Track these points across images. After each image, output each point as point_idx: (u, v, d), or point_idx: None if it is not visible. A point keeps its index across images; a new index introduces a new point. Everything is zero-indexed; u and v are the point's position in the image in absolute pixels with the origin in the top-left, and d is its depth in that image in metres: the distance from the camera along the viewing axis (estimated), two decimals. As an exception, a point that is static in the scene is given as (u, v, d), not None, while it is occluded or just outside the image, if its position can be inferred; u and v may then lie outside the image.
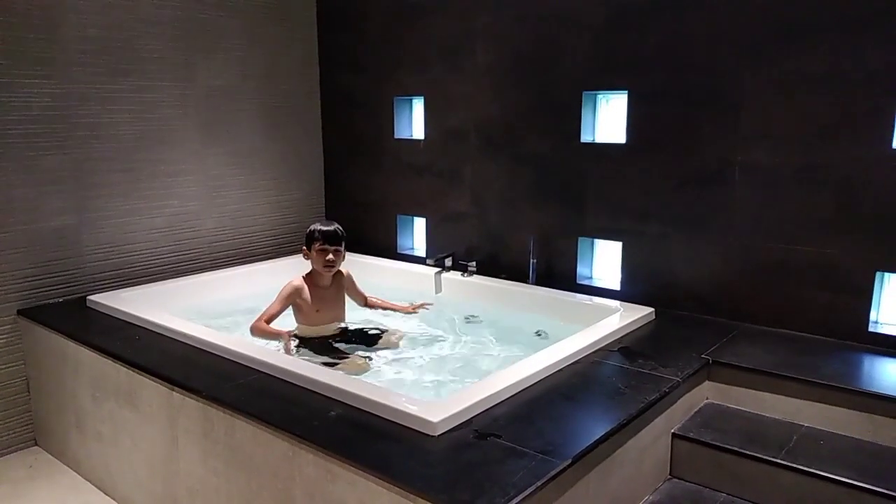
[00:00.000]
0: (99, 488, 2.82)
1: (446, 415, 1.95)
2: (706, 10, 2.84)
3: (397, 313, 3.22)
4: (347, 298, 3.15)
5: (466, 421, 1.99)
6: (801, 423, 2.40)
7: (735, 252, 2.91)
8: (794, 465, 2.15)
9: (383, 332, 3.05)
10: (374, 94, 4.04)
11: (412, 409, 1.99)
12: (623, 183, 3.16)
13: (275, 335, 2.83)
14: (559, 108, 3.31)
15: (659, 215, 3.08)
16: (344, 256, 2.99)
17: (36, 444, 3.19)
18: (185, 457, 2.34)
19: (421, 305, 3.25)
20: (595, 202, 3.26)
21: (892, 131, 2.52)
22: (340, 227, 2.96)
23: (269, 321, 2.86)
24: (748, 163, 2.83)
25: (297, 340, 2.88)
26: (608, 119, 3.30)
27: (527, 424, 1.99)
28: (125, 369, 2.53)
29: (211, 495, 2.27)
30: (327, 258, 2.91)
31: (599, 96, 3.29)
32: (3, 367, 3.06)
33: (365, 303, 3.20)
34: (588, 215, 3.29)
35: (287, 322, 2.98)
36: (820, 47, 2.61)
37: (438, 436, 1.91)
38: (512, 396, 2.16)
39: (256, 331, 2.86)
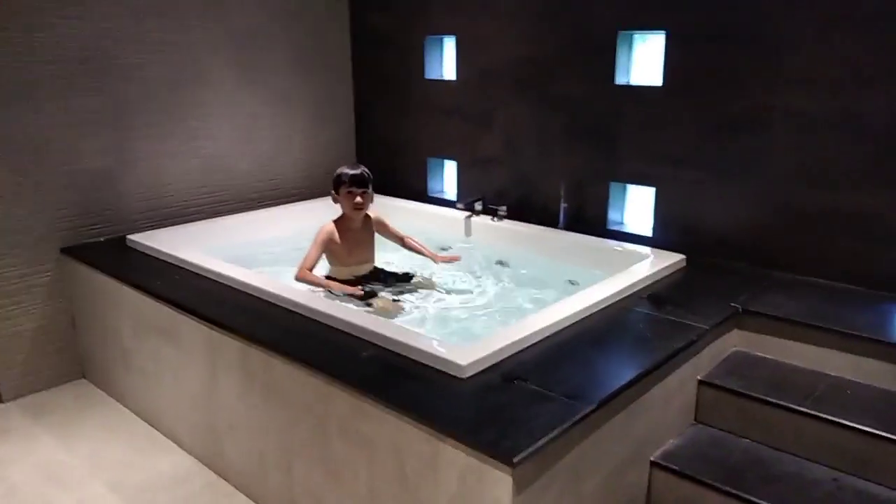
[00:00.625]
0: (144, 420, 2.97)
1: (475, 358, 2.00)
2: (751, -53, 2.73)
3: (427, 258, 3.24)
4: (382, 239, 3.18)
5: (495, 364, 2.04)
6: (828, 373, 2.41)
7: (770, 199, 2.87)
8: (819, 414, 2.17)
9: (414, 274, 3.09)
10: (405, 33, 3.98)
11: (441, 351, 2.04)
12: (658, 127, 3.10)
13: (325, 287, 2.86)
14: (594, 48, 3.23)
15: (694, 161, 3.03)
16: (372, 198, 3.01)
17: (84, 378, 3.34)
18: (224, 392, 2.44)
19: (450, 259, 3.22)
20: (629, 146, 3.21)
21: (942, 76, 2.43)
22: (367, 170, 2.98)
23: (311, 268, 2.92)
24: (788, 108, 2.75)
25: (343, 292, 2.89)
26: (644, 60, 3.21)
27: (554, 369, 2.04)
28: (166, 308, 2.63)
29: (249, 429, 2.38)
30: (356, 201, 2.94)
31: (636, 36, 3.20)
32: (50, 303, 3.19)
33: (402, 243, 3.23)
34: (621, 160, 3.25)
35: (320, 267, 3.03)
36: (871, -14, 2.50)
37: (467, 378, 1.96)
38: (540, 341, 2.20)
39: (304, 280, 2.88)
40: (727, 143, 2.93)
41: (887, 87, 2.53)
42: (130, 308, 2.85)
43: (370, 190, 2.99)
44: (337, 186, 2.98)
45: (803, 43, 2.67)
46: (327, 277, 2.96)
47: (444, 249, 3.57)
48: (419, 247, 3.24)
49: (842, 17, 2.57)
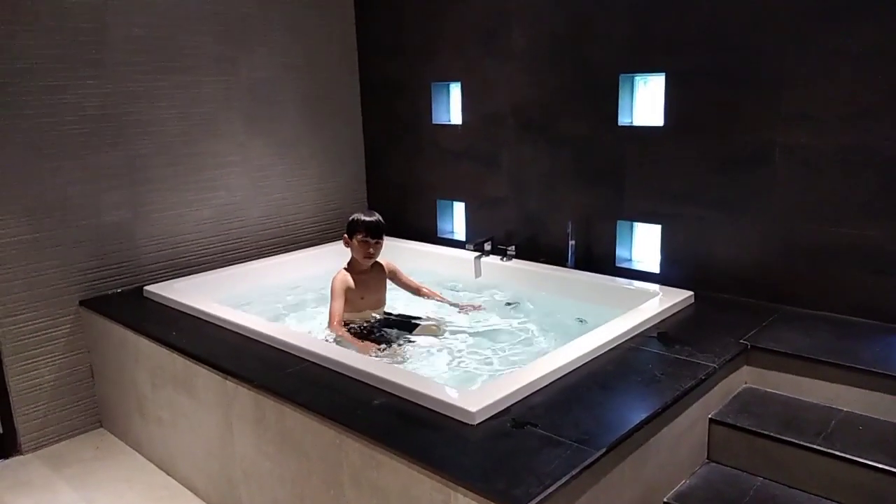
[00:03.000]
0: (161, 468, 3.00)
1: (485, 404, 2.02)
2: (745, -10, 2.80)
3: (444, 305, 3.29)
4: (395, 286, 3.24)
5: (504, 409, 2.06)
6: (840, 408, 2.40)
7: (775, 234, 2.89)
8: (832, 451, 2.16)
9: (423, 318, 3.13)
10: (413, 79, 4.08)
11: (451, 398, 2.06)
12: (661, 165, 3.15)
13: (363, 349, 2.77)
14: (596, 90, 3.30)
15: (698, 197, 3.07)
16: (382, 246, 3.07)
17: (101, 427, 3.39)
18: (240, 441, 2.48)
19: (475, 308, 3.25)
20: (634, 185, 3.26)
21: (939, 111, 2.46)
22: (381, 219, 3.04)
23: (340, 322, 2.95)
24: (789, 144, 2.79)
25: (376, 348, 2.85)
26: (646, 101, 3.28)
27: (563, 413, 2.05)
28: (181, 358, 2.68)
29: (264, 478, 2.40)
30: (368, 250, 3.00)
31: (637, 78, 3.27)
32: (69, 354, 3.26)
33: (419, 293, 3.30)
34: (627, 198, 3.29)
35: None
36: (864, 25, 2.55)
37: (477, 424, 1.98)
38: (549, 385, 2.22)
39: (342, 338, 2.86)
40: (730, 179, 2.97)
41: (886, 121, 2.56)
42: (147, 358, 2.90)
43: (382, 240, 3.05)
44: (351, 232, 3.04)
45: (801, 79, 2.72)
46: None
47: (453, 290, 3.61)
48: (439, 296, 3.28)
49: (838, 54, 2.62)
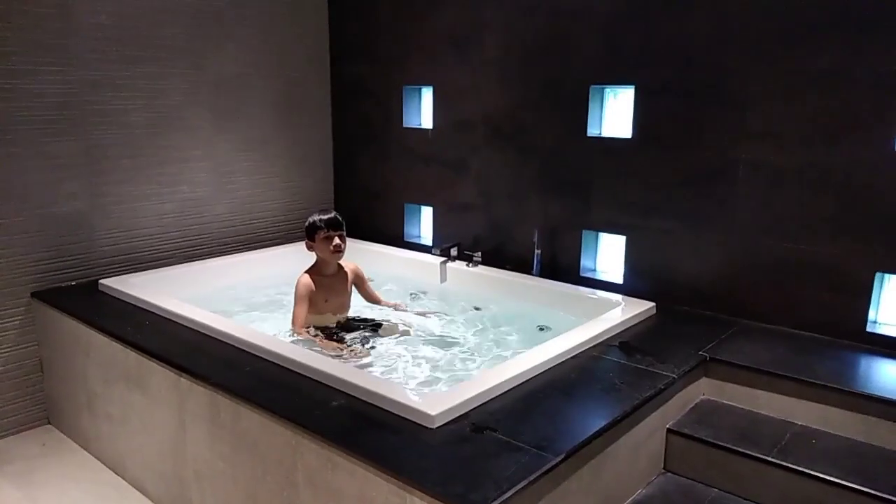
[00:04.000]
0: (109, 467, 2.91)
1: (445, 407, 2.00)
2: (714, 8, 2.84)
3: (409, 313, 3.28)
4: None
5: (464, 414, 2.04)
6: (795, 422, 2.44)
7: (737, 249, 2.93)
8: (786, 464, 2.19)
9: (386, 322, 3.10)
10: (384, 82, 4.06)
11: (412, 400, 2.04)
12: (628, 177, 3.18)
13: (326, 347, 2.78)
14: (567, 101, 3.32)
15: (663, 210, 3.10)
16: (346, 240, 3.04)
17: (49, 423, 3.28)
18: (193, 441, 2.41)
19: (423, 314, 3.27)
20: (600, 196, 3.28)
21: (895, 133, 2.53)
22: (338, 214, 3.01)
23: (303, 325, 2.91)
24: (752, 160, 2.84)
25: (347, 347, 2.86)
26: (615, 113, 3.31)
27: (523, 419, 2.04)
28: (134, 354, 2.60)
29: (217, 478, 2.34)
30: (335, 244, 2.96)
31: (607, 90, 3.30)
32: (18, 347, 3.15)
33: (378, 304, 3.29)
34: (593, 208, 3.32)
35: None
36: (826, 47, 2.61)
37: (436, 428, 1.96)
38: (509, 390, 2.21)
39: (306, 340, 2.83)
40: (694, 193, 3.01)
41: (844, 142, 2.62)
42: (99, 353, 2.82)
43: (345, 232, 3.01)
44: (312, 233, 2.99)
45: (765, 98, 2.78)
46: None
47: (418, 294, 3.60)
48: (394, 303, 3.31)
49: (800, 75, 2.68)
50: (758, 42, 2.76)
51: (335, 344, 2.82)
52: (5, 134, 2.99)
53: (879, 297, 2.69)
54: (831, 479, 2.11)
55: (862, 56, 2.55)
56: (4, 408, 3.13)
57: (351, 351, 2.77)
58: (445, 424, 1.98)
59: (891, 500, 2.01)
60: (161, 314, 2.87)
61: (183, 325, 2.76)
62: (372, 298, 3.28)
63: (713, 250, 3.00)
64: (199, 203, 3.76)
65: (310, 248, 3.03)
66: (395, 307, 3.30)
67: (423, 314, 3.25)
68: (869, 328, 2.68)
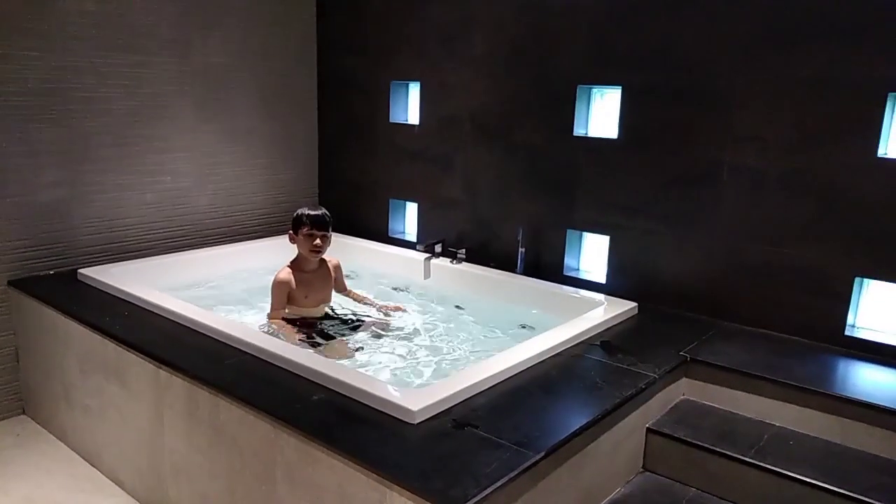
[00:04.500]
0: (85, 459, 2.87)
1: (426, 403, 2.00)
2: (703, 11, 2.86)
3: (365, 303, 3.27)
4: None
5: (445, 410, 2.04)
6: (772, 423, 2.46)
7: (719, 251, 2.95)
8: (762, 464, 2.21)
9: (368, 318, 3.09)
10: (371, 77, 4.04)
11: (392, 396, 2.03)
12: (613, 177, 3.19)
13: (290, 334, 2.82)
14: (554, 100, 3.32)
15: (647, 211, 3.12)
16: (329, 241, 3.01)
17: (24, 413, 3.23)
18: (171, 434, 2.39)
19: (396, 308, 3.24)
20: (585, 195, 3.29)
21: (878, 140, 2.55)
22: (328, 213, 2.99)
23: (278, 317, 2.90)
24: (736, 164, 2.86)
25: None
26: (601, 113, 3.32)
27: (504, 416, 2.04)
28: (113, 345, 2.57)
29: (194, 472, 2.32)
30: (314, 243, 2.93)
31: (594, 90, 3.30)
32: (-7, 336, 3.10)
33: (347, 294, 3.25)
34: (577, 208, 3.32)
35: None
36: (812, 54, 2.64)
37: (417, 424, 1.95)
38: (491, 387, 2.21)
39: (280, 332, 2.83)
40: (679, 195, 3.02)
41: (827, 147, 2.65)
42: (77, 344, 2.78)
43: (329, 233, 2.99)
44: (296, 227, 2.97)
45: (751, 102, 2.80)
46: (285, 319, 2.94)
47: (400, 290, 3.59)
48: (364, 298, 3.28)
49: (787, 79, 2.70)
50: (745, 47, 2.78)
51: (295, 331, 2.81)
52: (-16, 119, 2.94)
53: (858, 301, 2.72)
54: (807, 479, 2.13)
55: (847, 63, 2.57)
56: (-22, 397, 3.09)
57: (329, 347, 2.75)
58: (426, 420, 1.98)
59: (865, 502, 2.03)
60: (141, 305, 2.84)
61: (163, 317, 2.73)
62: (344, 290, 3.26)
63: (696, 252, 3.01)
64: (182, 194, 3.72)
65: (292, 240, 3.01)
66: (363, 300, 3.27)
67: (386, 307, 3.21)
68: (847, 332, 2.71)
